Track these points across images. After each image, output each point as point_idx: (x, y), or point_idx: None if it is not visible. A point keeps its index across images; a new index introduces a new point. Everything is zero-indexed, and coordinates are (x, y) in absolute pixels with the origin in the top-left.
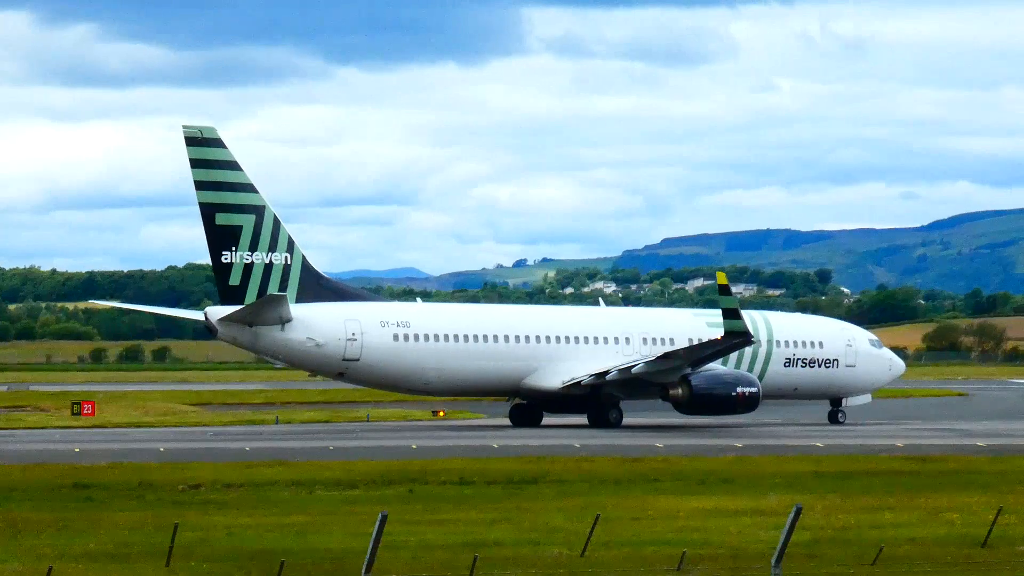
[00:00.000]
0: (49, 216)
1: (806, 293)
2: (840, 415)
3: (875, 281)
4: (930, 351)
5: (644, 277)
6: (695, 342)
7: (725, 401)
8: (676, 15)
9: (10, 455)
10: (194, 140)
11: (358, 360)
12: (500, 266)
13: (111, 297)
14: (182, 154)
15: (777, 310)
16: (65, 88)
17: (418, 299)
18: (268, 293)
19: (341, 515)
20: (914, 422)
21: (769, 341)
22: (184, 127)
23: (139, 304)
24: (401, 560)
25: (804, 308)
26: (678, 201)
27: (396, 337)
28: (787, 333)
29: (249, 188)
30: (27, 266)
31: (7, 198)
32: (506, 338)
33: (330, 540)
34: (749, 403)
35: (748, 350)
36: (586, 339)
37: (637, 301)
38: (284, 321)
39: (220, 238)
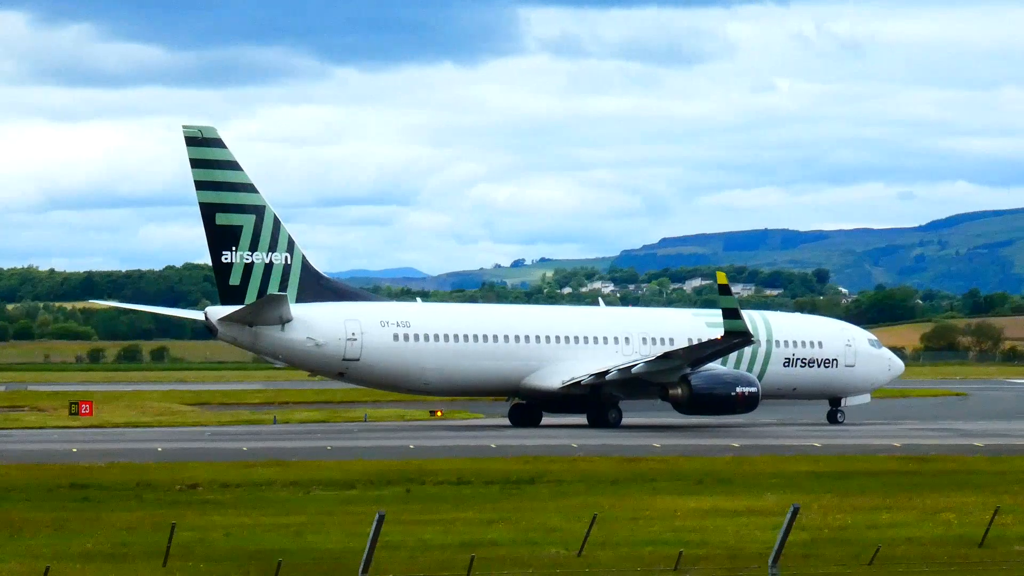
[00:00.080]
0: (47, 216)
1: (804, 293)
2: (839, 415)
3: (873, 281)
4: (928, 351)
5: (642, 277)
6: (695, 342)
7: (725, 401)
8: (673, 15)
9: (8, 455)
10: (194, 140)
11: (358, 360)
12: (498, 266)
13: (109, 297)
14: (181, 154)
15: (775, 310)
16: (63, 88)
17: (418, 299)
18: (268, 293)
19: (339, 515)
20: (912, 422)
21: (768, 341)
22: (184, 127)
23: (137, 304)
24: (398, 560)
25: (802, 308)
26: (676, 201)
27: (396, 337)
28: (786, 333)
29: (249, 188)
30: (25, 266)
31: (5, 198)
32: (506, 338)
33: (328, 540)
34: (749, 403)
35: (747, 350)
36: (586, 339)
37: (635, 301)
38: (284, 321)
39: (220, 238)
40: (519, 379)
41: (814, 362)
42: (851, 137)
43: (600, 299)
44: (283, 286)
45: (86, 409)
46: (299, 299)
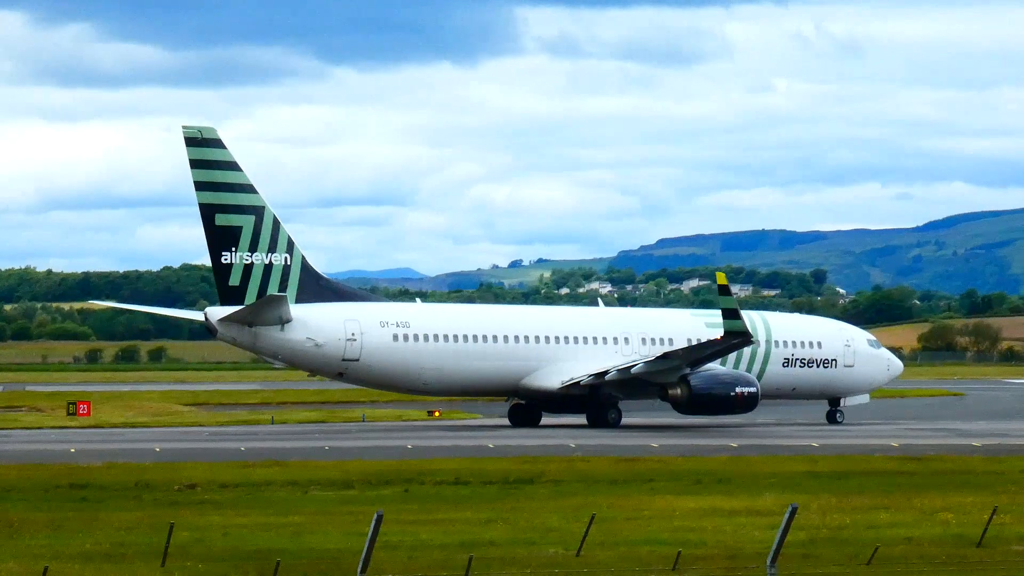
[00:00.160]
0: (45, 216)
1: (801, 293)
2: (838, 415)
3: (870, 281)
4: (925, 351)
5: (640, 277)
6: (694, 342)
7: (724, 401)
8: (671, 15)
9: (6, 455)
10: (194, 141)
11: (357, 360)
12: (495, 266)
13: (107, 297)
14: (178, 154)
15: (774, 310)
16: (60, 88)
17: (417, 299)
18: (268, 293)
19: (337, 515)
20: (910, 422)
21: (768, 341)
22: (184, 128)
23: (135, 304)
24: (397, 560)
25: (800, 308)
26: (674, 201)
27: (395, 337)
28: (785, 333)
29: (249, 189)
30: (23, 266)
31: (3, 198)
32: (505, 338)
33: (326, 540)
34: (748, 403)
35: (746, 350)
36: (585, 339)
37: (632, 301)
38: (284, 321)
39: (220, 239)
40: (518, 379)
41: (813, 362)
42: (849, 137)
43: (599, 299)
44: (283, 286)
45: (84, 409)
46: (299, 299)
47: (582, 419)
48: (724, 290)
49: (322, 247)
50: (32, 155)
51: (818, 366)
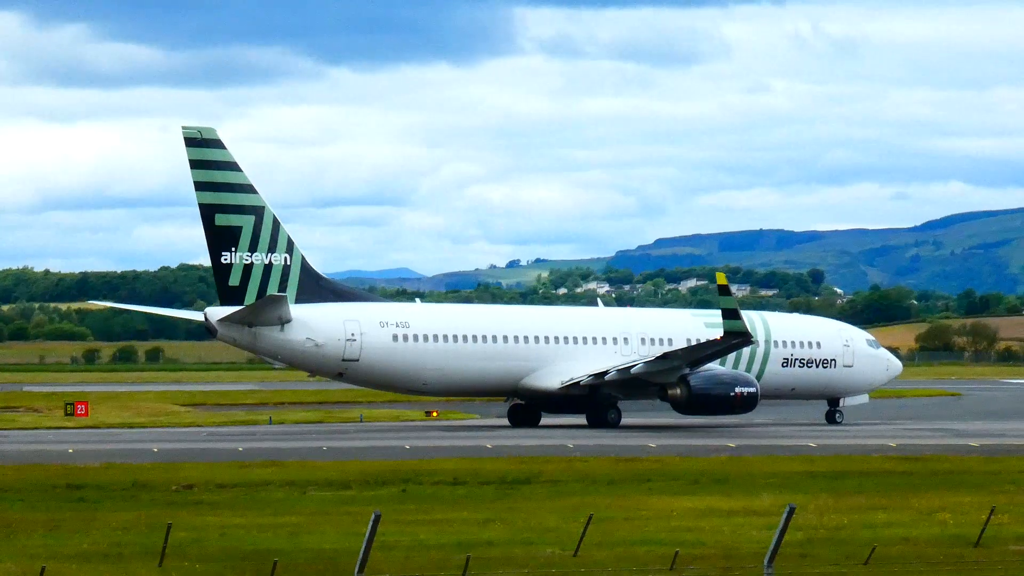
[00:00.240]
0: (42, 217)
1: (799, 293)
2: (837, 415)
3: (868, 281)
4: (923, 351)
5: (637, 278)
6: (693, 342)
7: (723, 401)
8: (668, 15)
9: (3, 455)
10: (194, 141)
11: (357, 360)
12: (493, 266)
13: (104, 298)
14: (176, 155)
15: (772, 310)
16: (57, 88)
17: (417, 299)
18: (268, 294)
19: (334, 515)
20: (907, 422)
21: (767, 341)
22: (183, 128)
23: (133, 304)
24: (394, 560)
25: (797, 308)
26: (671, 202)
27: (395, 337)
28: (785, 333)
29: (249, 189)
30: (20, 267)
31: (0, 199)
32: (505, 338)
33: (323, 540)
34: (747, 403)
35: (746, 350)
36: (584, 339)
37: (630, 301)
38: (284, 322)
39: (220, 239)
40: (518, 379)
41: (812, 362)
42: (846, 137)
43: (599, 300)
44: (282, 287)
45: (81, 410)
46: (298, 300)
47: (582, 419)
48: (724, 290)
49: (320, 247)
50: (29, 155)
51: (817, 366)
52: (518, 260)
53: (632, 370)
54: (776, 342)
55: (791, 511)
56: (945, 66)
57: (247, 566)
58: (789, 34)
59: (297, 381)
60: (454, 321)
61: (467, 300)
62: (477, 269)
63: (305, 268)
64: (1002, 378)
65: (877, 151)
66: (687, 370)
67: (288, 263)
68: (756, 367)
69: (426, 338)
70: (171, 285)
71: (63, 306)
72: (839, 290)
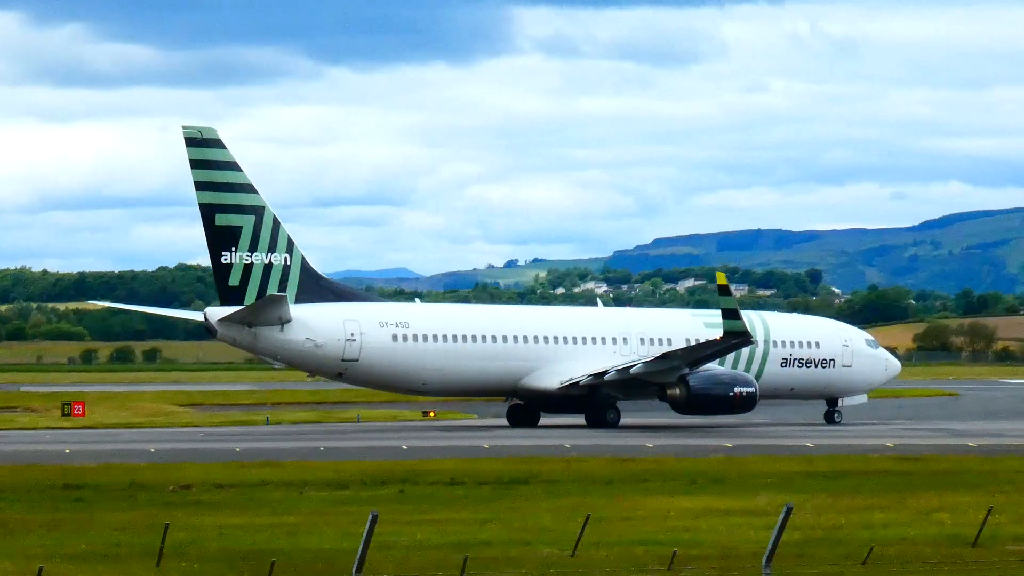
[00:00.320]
0: (40, 217)
1: (797, 293)
2: (836, 415)
3: (866, 281)
4: (921, 351)
5: (635, 277)
6: (692, 342)
7: (723, 401)
8: (666, 15)
9: (1, 456)
10: (194, 141)
11: (357, 360)
12: (491, 266)
13: (102, 298)
14: (174, 154)
15: (771, 310)
16: (55, 88)
17: (417, 299)
18: (268, 294)
19: (332, 515)
20: (905, 422)
21: (766, 341)
22: (184, 128)
23: (131, 304)
24: (392, 560)
25: (795, 308)
26: (669, 201)
27: (395, 338)
28: (784, 333)
29: (249, 189)
30: (18, 267)
31: None
32: (504, 338)
33: (321, 540)
34: (746, 403)
35: (745, 350)
36: (584, 339)
37: (628, 301)
38: (283, 322)
39: (220, 239)
40: (517, 379)
41: (811, 362)
42: (844, 137)
43: (599, 300)
44: (282, 287)
45: (79, 410)
46: (298, 300)
47: (581, 419)
48: (724, 290)
49: (318, 247)
50: (27, 155)
51: (816, 366)
52: (516, 260)
53: (631, 370)
54: (775, 342)
55: (789, 511)
56: (944, 66)
57: (245, 566)
58: (788, 34)
59: (295, 381)
60: (454, 321)
61: (465, 300)
62: (475, 269)
63: (305, 268)
64: (1000, 378)
65: (875, 151)
66: (686, 370)
67: (288, 263)
68: (755, 367)
69: (426, 338)
70: (169, 285)
71: (61, 306)
72: (837, 290)
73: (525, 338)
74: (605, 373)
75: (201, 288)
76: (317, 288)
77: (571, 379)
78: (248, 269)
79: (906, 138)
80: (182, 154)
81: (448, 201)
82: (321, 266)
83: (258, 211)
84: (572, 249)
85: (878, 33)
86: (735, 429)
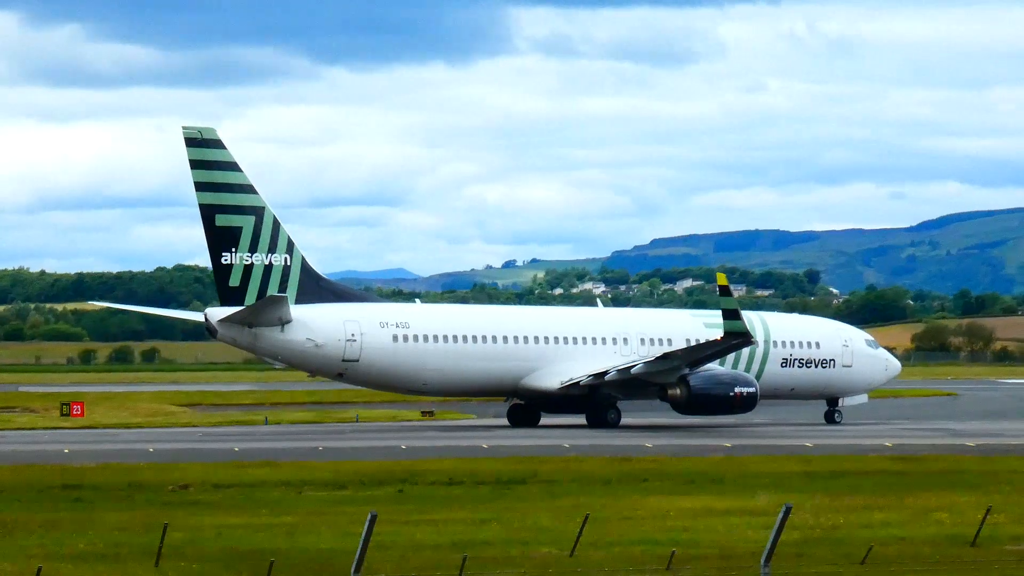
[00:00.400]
0: (38, 217)
1: (795, 293)
2: (836, 415)
3: (864, 281)
4: (919, 351)
5: (633, 278)
6: (693, 343)
7: (723, 401)
8: (664, 15)
9: (0, 456)
10: (194, 141)
11: (357, 361)
12: (489, 267)
13: (100, 298)
14: (172, 155)
15: (769, 310)
16: (53, 88)
17: (417, 300)
18: (268, 294)
19: (330, 515)
20: (903, 422)
21: (766, 341)
22: (184, 128)
23: (129, 305)
24: (390, 560)
25: (793, 308)
26: (667, 202)
27: (395, 338)
28: (784, 333)
29: (249, 189)
30: (16, 267)
31: None
32: (504, 339)
33: (319, 540)
34: (747, 403)
35: (745, 350)
36: (584, 340)
37: (626, 301)
38: (284, 322)
39: (220, 239)
40: (518, 380)
41: (811, 362)
42: (842, 137)
43: (598, 300)
44: (283, 287)
45: (77, 410)
46: (298, 300)
47: (581, 419)
48: (725, 290)
49: (316, 247)
50: (25, 156)
51: (816, 366)
52: (514, 260)
53: (632, 370)
54: (775, 342)
55: (787, 511)
56: (941, 66)
57: (243, 566)
58: (785, 34)
59: (293, 381)
60: (454, 321)
61: (463, 300)
62: (473, 269)
63: (305, 269)
64: (998, 378)
65: (874, 151)
66: (687, 370)
67: (288, 263)
68: (755, 367)
69: (426, 338)
70: (167, 285)
71: (59, 306)
72: (835, 290)
73: (525, 338)
74: (606, 373)
75: (199, 288)
76: (317, 288)
77: (571, 379)
78: (248, 270)
79: (904, 138)
80: (181, 154)
81: (446, 201)
82: (319, 267)
83: (258, 212)
84: (570, 249)
85: (876, 33)
86: (734, 429)
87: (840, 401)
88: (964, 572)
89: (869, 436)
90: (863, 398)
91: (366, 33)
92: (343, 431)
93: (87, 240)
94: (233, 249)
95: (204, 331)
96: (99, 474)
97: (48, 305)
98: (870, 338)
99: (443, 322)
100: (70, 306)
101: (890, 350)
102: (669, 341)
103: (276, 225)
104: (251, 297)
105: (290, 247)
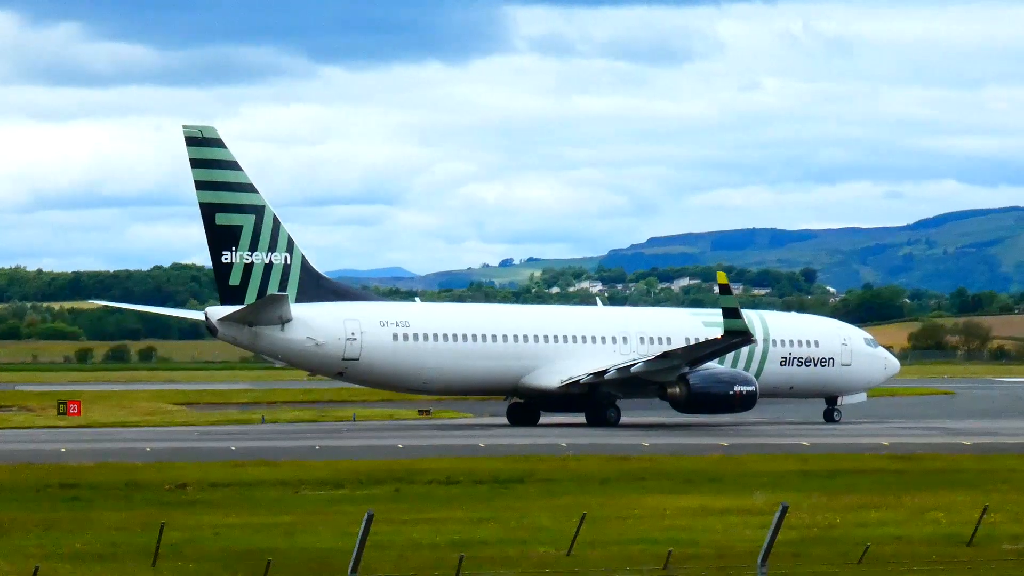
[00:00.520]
0: (35, 216)
1: (792, 292)
2: (835, 414)
3: (861, 280)
4: (916, 350)
5: (630, 277)
6: (692, 341)
7: (723, 400)
8: (661, 14)
9: None
10: (194, 140)
11: (357, 360)
12: (486, 265)
13: (97, 297)
14: (169, 154)
15: (765, 309)
16: (50, 88)
17: (416, 299)
18: (268, 293)
19: (327, 514)
20: (900, 421)
21: (765, 340)
22: (184, 127)
23: (126, 303)
24: (387, 559)
25: (790, 307)
26: (664, 200)
27: (395, 337)
28: (783, 332)
29: (249, 188)
30: (13, 266)
31: None
32: (504, 337)
33: (317, 539)
34: (746, 402)
35: (744, 349)
36: (584, 338)
37: (623, 300)
38: (284, 321)
39: (220, 238)
40: (517, 378)
41: (811, 361)
42: (839, 136)
43: (598, 299)
44: (283, 286)
45: (74, 409)
46: (299, 299)
47: (581, 418)
48: (725, 289)
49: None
50: (22, 155)
51: (815, 365)
52: (511, 259)
53: (632, 369)
54: (774, 341)
55: (784, 510)
56: (938, 65)
57: (241, 566)
58: (782, 33)
59: (290, 380)
60: (454, 320)
61: (460, 299)
62: (470, 268)
63: (305, 267)
64: (995, 377)
65: (870, 150)
66: (686, 369)
67: (288, 262)
68: (755, 366)
69: (426, 337)
70: (164, 284)
71: (56, 305)
72: (832, 289)
73: (525, 337)
74: (605, 372)
75: (196, 287)
76: (317, 287)
77: (571, 378)
78: (248, 268)
79: (901, 137)
80: (177, 153)
81: (443, 200)
82: (315, 266)
83: (258, 210)
84: (567, 248)
85: (872, 32)
86: (731, 428)
87: (839, 400)
88: (961, 571)
89: (866, 435)
90: (862, 397)
91: (363, 32)
92: (340, 430)
93: (84, 239)
94: (233, 248)
95: (201, 330)
96: (96, 473)
97: (45, 304)
98: (869, 337)
99: (443, 321)
100: (67, 305)
101: (888, 349)
102: (668, 340)
103: (276, 224)
104: (251, 296)
105: (290, 246)
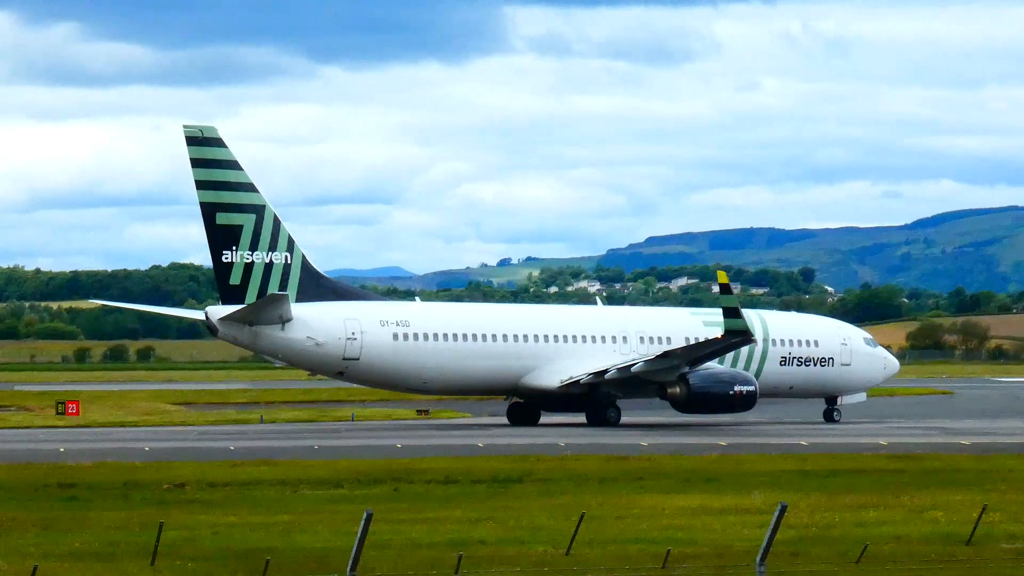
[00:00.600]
0: (33, 215)
1: (790, 292)
2: (835, 413)
3: (859, 280)
4: (914, 350)
5: (628, 276)
6: (692, 341)
7: (723, 400)
8: (659, 14)
9: None
10: (195, 140)
11: (358, 359)
12: (484, 265)
13: (95, 296)
14: (167, 153)
15: (764, 308)
16: (49, 87)
17: (416, 299)
18: (269, 292)
19: (326, 514)
20: (898, 420)
21: (765, 340)
22: (184, 127)
23: (124, 303)
24: (386, 559)
25: (788, 307)
26: (662, 200)
27: (396, 336)
28: (783, 332)
29: (249, 187)
30: (11, 265)
31: None
32: (504, 337)
33: (315, 539)
34: (746, 402)
35: (744, 349)
36: (584, 338)
37: (621, 300)
38: (284, 320)
39: (221, 238)
40: (518, 378)
41: (810, 361)
42: (837, 136)
43: (598, 299)
44: (283, 286)
45: (73, 409)
46: (299, 299)
47: (581, 418)
48: (725, 288)
49: (311, 246)
50: (20, 154)
51: (815, 364)
52: (509, 259)
53: (632, 368)
54: (774, 340)
55: (783, 509)
56: (936, 64)
57: (239, 565)
58: (780, 33)
59: (289, 380)
60: (454, 320)
61: (458, 299)
62: (468, 268)
63: (306, 267)
64: (993, 376)
65: (868, 149)
66: (686, 369)
67: (289, 262)
68: (755, 365)
69: (426, 337)
70: (162, 284)
71: (54, 305)
72: (830, 288)
73: (525, 337)
74: (605, 372)
75: (194, 287)
76: (318, 287)
77: (571, 378)
78: (249, 268)
79: (899, 137)
80: (176, 153)
81: (441, 200)
82: (315, 265)
83: (259, 210)
84: (565, 248)
85: (870, 32)
86: (730, 427)
87: (839, 399)
88: (960, 570)
89: (864, 435)
90: (862, 396)
91: (361, 32)
92: (338, 430)
93: (82, 238)
94: (234, 247)
95: (199, 329)
96: (94, 473)
97: (43, 303)
98: (869, 336)
99: (443, 321)
100: (65, 304)
101: (886, 348)
102: (668, 339)
103: (276, 223)
104: (251, 295)
105: (290, 245)
